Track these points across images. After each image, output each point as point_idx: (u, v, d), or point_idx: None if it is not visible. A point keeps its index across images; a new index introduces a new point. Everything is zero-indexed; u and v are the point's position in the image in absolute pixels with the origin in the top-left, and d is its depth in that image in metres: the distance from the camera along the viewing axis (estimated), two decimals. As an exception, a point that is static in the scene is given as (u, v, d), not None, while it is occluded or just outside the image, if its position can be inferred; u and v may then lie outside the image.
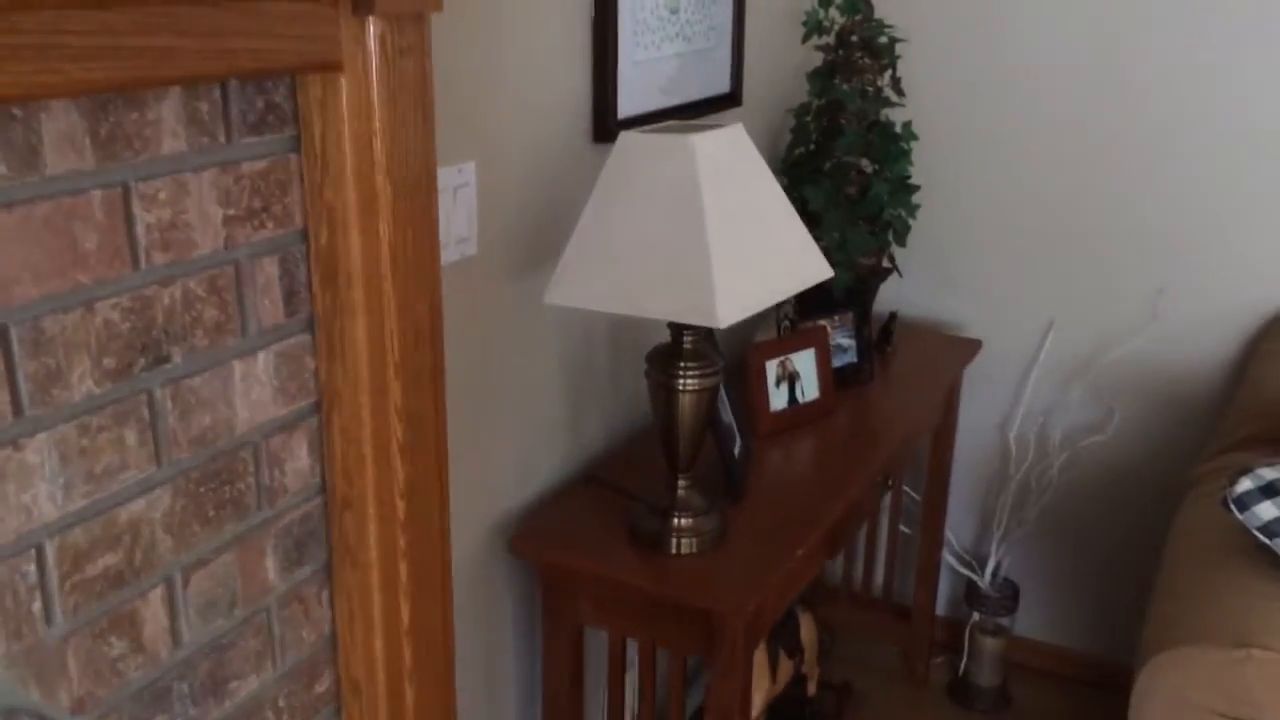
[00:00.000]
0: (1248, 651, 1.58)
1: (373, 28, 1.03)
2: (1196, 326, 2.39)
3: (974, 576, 2.61)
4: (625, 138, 1.46)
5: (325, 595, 1.19)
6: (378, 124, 1.06)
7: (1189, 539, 1.96)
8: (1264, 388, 2.25)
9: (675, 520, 1.59)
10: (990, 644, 2.59)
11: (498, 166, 1.54)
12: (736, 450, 1.79)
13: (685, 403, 1.55)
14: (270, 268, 1.06)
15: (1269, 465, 1.81)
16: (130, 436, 0.95)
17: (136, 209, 0.92)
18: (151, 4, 0.82)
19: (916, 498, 2.64)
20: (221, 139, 0.99)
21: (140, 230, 0.93)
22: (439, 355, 1.18)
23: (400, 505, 1.17)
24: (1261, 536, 1.75)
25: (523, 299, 1.65)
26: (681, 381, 1.54)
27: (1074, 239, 2.45)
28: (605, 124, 1.73)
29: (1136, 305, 2.43)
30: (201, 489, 1.03)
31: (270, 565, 1.12)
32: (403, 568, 1.19)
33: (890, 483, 1.99)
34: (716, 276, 1.37)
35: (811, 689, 2.39)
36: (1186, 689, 1.62)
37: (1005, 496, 2.60)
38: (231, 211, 1.01)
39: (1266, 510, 1.76)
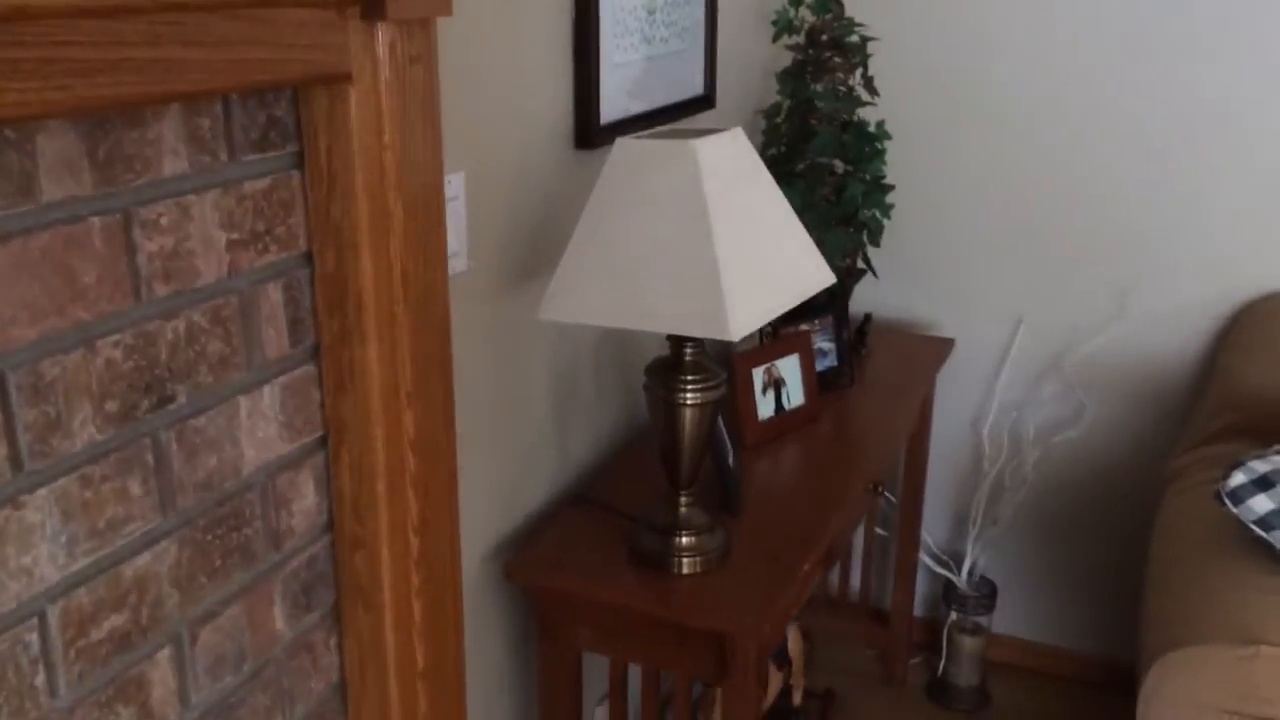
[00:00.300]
0: (1257, 648, 1.57)
1: (383, 35, 0.96)
2: (1164, 320, 2.39)
3: (951, 576, 2.59)
4: (622, 145, 1.40)
5: (333, 641, 1.12)
6: (388, 137, 0.99)
7: (1179, 534, 1.95)
8: (1234, 379, 2.26)
9: (678, 539, 1.54)
10: (969, 643, 2.57)
11: (484, 177, 1.47)
12: (730, 461, 1.74)
13: (687, 417, 1.49)
14: (274, 294, 0.98)
15: (1259, 457, 1.81)
16: (135, 486, 0.87)
17: (138, 237, 0.84)
18: (157, 12, 0.74)
19: (893, 499, 2.62)
20: (223, 157, 0.91)
21: (142, 260, 0.85)
22: (450, 380, 1.11)
23: (414, 541, 1.09)
24: (1258, 530, 1.74)
25: (512, 314, 1.58)
26: (683, 395, 1.48)
27: (1042, 236, 2.44)
28: (588, 130, 1.67)
29: (1105, 300, 2.43)
30: (208, 537, 0.95)
31: (278, 614, 1.04)
32: (417, 607, 1.12)
33: (880, 489, 1.96)
34: (726, 286, 1.31)
35: (797, 699, 2.35)
36: (1196, 689, 1.61)
37: (980, 494, 2.58)
38: (235, 235, 0.93)
39: (1261, 503, 1.76)
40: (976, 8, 2.36)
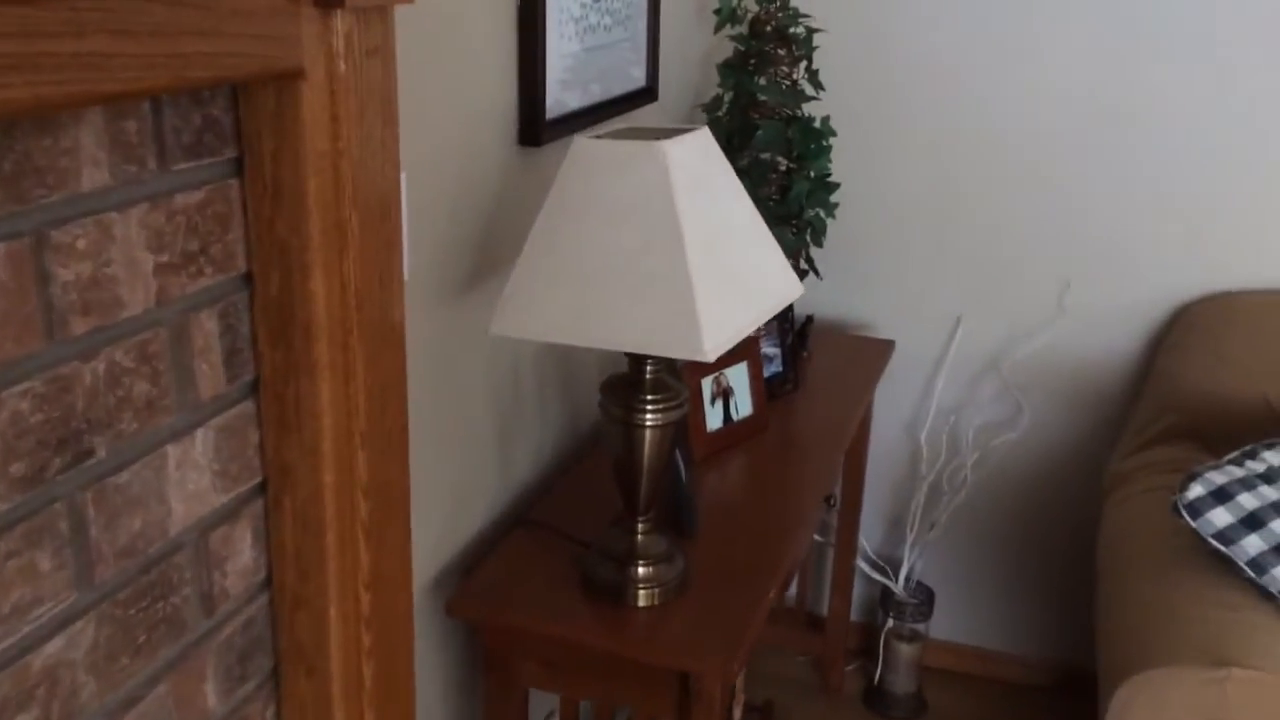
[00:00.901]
0: (1228, 671, 1.53)
1: (340, 25, 0.83)
2: (1103, 321, 2.36)
3: (887, 582, 2.54)
4: (581, 145, 1.28)
5: (271, 712, 0.98)
6: (344, 141, 0.85)
7: (1129, 546, 1.91)
8: (1172, 381, 2.24)
9: (635, 569, 1.43)
10: (906, 650, 2.52)
11: (423, 177, 1.34)
12: (684, 479, 1.64)
13: (647, 439, 1.38)
14: (209, 324, 0.84)
15: (1215, 468, 1.77)
16: (45, 560, 0.73)
17: (50, 263, 0.70)
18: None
19: (831, 504, 2.55)
20: (152, 165, 0.77)
21: (55, 291, 0.70)
22: (405, 416, 0.99)
23: (365, 598, 0.97)
24: (1218, 544, 1.71)
25: (451, 324, 1.45)
26: (643, 416, 1.37)
27: (981, 234, 2.39)
28: (534, 126, 1.54)
29: (1044, 300, 2.39)
30: (131, 611, 0.81)
31: (210, 689, 0.90)
32: (367, 670, 0.99)
33: (832, 501, 1.88)
34: (700, 301, 1.21)
35: (738, 715, 2.26)
36: (1165, 712, 1.56)
37: (917, 498, 2.53)
38: (164, 258, 0.79)
39: (1220, 516, 1.72)
40: (915, 3, 2.29)
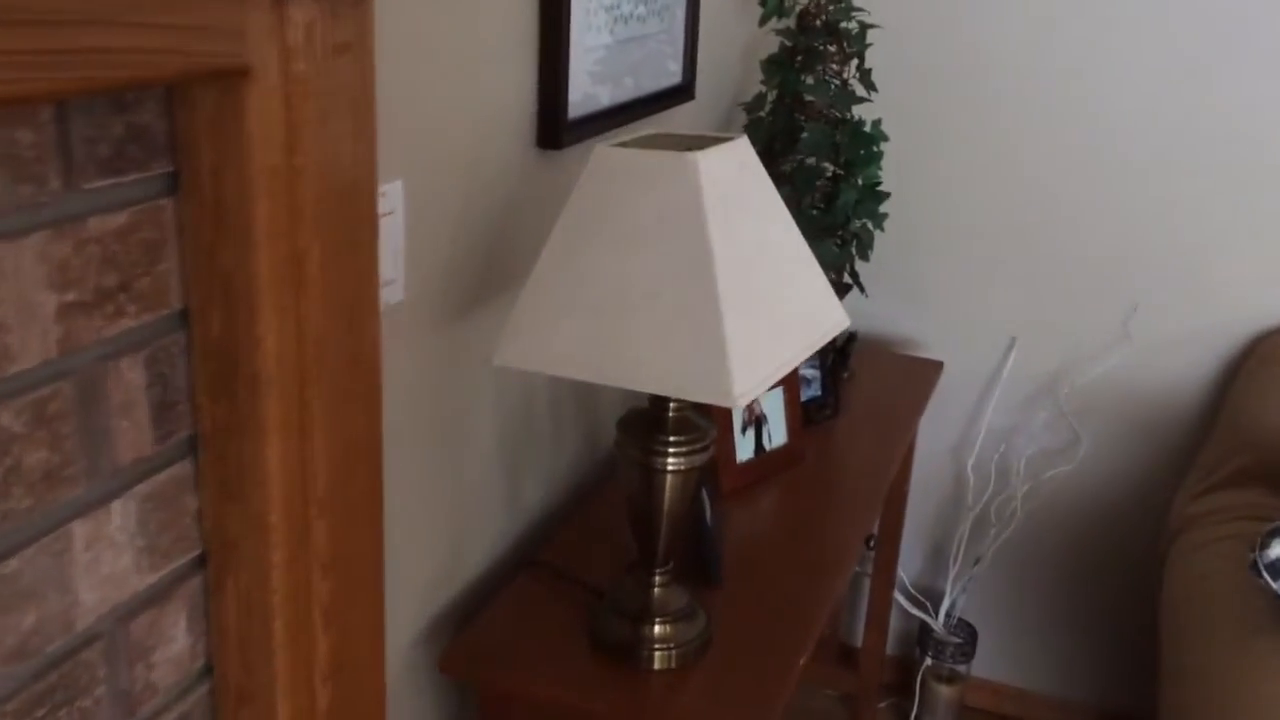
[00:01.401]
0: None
1: (296, 14, 0.68)
2: (1171, 347, 2.18)
3: (927, 618, 2.37)
4: (602, 154, 1.13)
5: (214, 817, 0.84)
6: (303, 155, 0.70)
7: (1200, 604, 1.74)
8: (1248, 416, 2.06)
9: (651, 628, 1.28)
10: (944, 691, 2.36)
11: (427, 185, 1.19)
12: (708, 519, 1.49)
13: (668, 484, 1.23)
14: (132, 374, 0.70)
15: (1298, 524, 1.60)
16: (-96, 672, 0.58)
17: (-93, 311, 0.55)
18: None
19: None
20: (55, 184, 0.62)
21: (-85, 344, 0.56)
22: (379, 474, 0.84)
23: (323, 692, 0.82)
24: (1303, 612, 1.53)
25: (456, 347, 1.30)
26: (664, 460, 1.22)
27: (1042, 249, 2.21)
28: (554, 127, 1.39)
29: (1107, 323, 2.21)
30: (27, 721, 0.66)
31: (136, 797, 0.76)
32: (327, 772, 0.84)
33: (872, 543, 1.72)
34: (731, 338, 1.05)
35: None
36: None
37: (962, 530, 2.36)
38: (71, 296, 0.64)
39: (1305, 580, 1.55)
40: (983, 3, 2.11)
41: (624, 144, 1.15)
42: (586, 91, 1.48)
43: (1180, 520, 2.00)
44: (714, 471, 1.64)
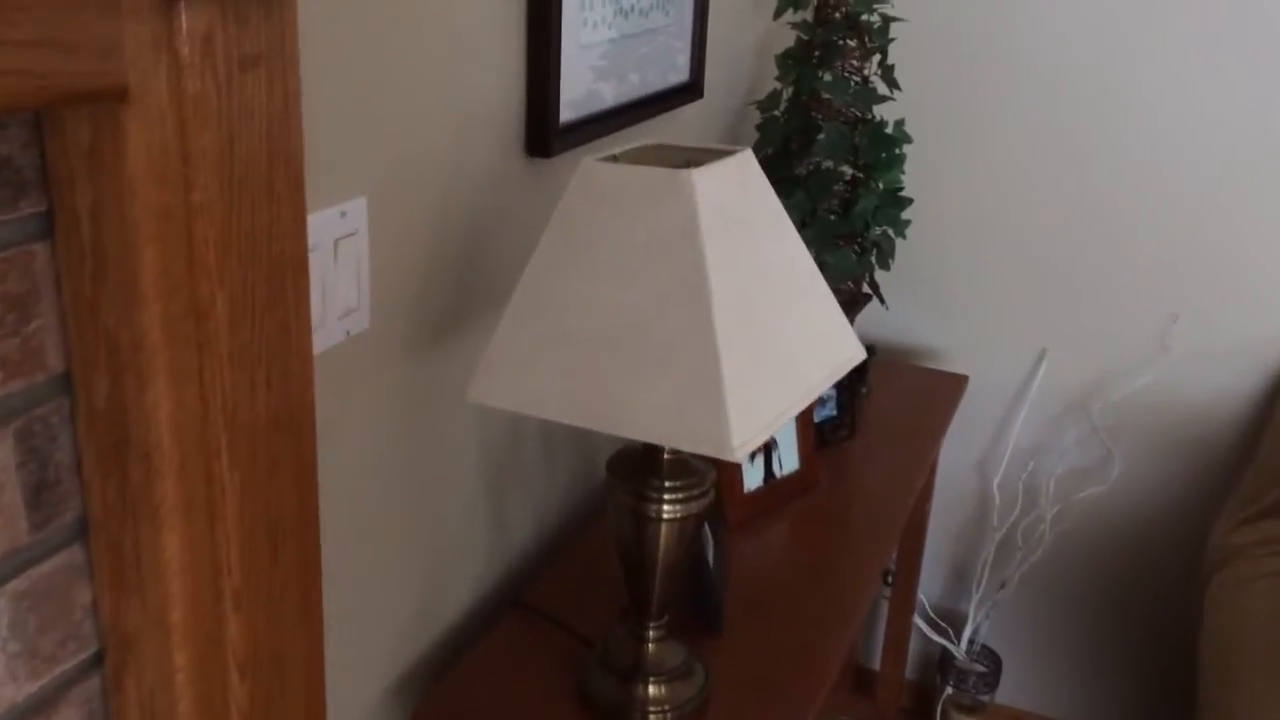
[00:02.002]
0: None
1: (188, 22, 0.56)
2: (1213, 361, 2.04)
3: (948, 645, 2.25)
4: (588, 169, 1.01)
5: None
6: (202, 191, 0.59)
7: (1245, 645, 1.61)
8: (1294, 438, 1.92)
9: (644, 688, 1.16)
10: (966, 722, 2.24)
11: (397, 202, 1.07)
12: (711, 559, 1.37)
13: (663, 534, 1.11)
14: (1, 450, 0.59)
15: (1357, 566, 1.47)
16: None
17: None
18: None
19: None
20: (-121, 235, 0.51)
21: None
22: (313, 558, 0.72)
23: (248, 803, 0.71)
24: (1361, 664, 1.40)
25: (433, 378, 1.19)
26: (657, 507, 1.10)
27: (1074, 257, 2.08)
28: (544, 132, 1.27)
29: (1144, 335, 2.07)
30: None
31: None
32: None
33: (890, 578, 1.60)
34: (729, 382, 0.93)
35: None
36: None
37: (986, 552, 2.24)
38: (-91, 367, 0.53)
39: (1364, 629, 1.42)
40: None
41: (614, 157, 1.03)
42: (584, 92, 1.36)
43: (1221, 551, 1.87)
44: (718, 504, 1.52)
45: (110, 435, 0.61)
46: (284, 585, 0.70)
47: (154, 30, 0.55)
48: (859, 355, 1.11)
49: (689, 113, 1.70)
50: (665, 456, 1.10)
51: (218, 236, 0.60)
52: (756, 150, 1.84)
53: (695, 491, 1.11)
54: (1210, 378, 2.05)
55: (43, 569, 0.62)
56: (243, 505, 0.66)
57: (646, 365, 0.95)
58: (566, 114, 1.32)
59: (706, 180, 0.97)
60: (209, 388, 0.62)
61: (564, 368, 0.99)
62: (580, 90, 1.34)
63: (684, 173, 0.96)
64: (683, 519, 1.11)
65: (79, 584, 0.65)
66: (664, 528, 1.11)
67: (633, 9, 1.45)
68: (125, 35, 0.53)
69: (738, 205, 1.01)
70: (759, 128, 1.83)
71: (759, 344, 0.97)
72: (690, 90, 1.66)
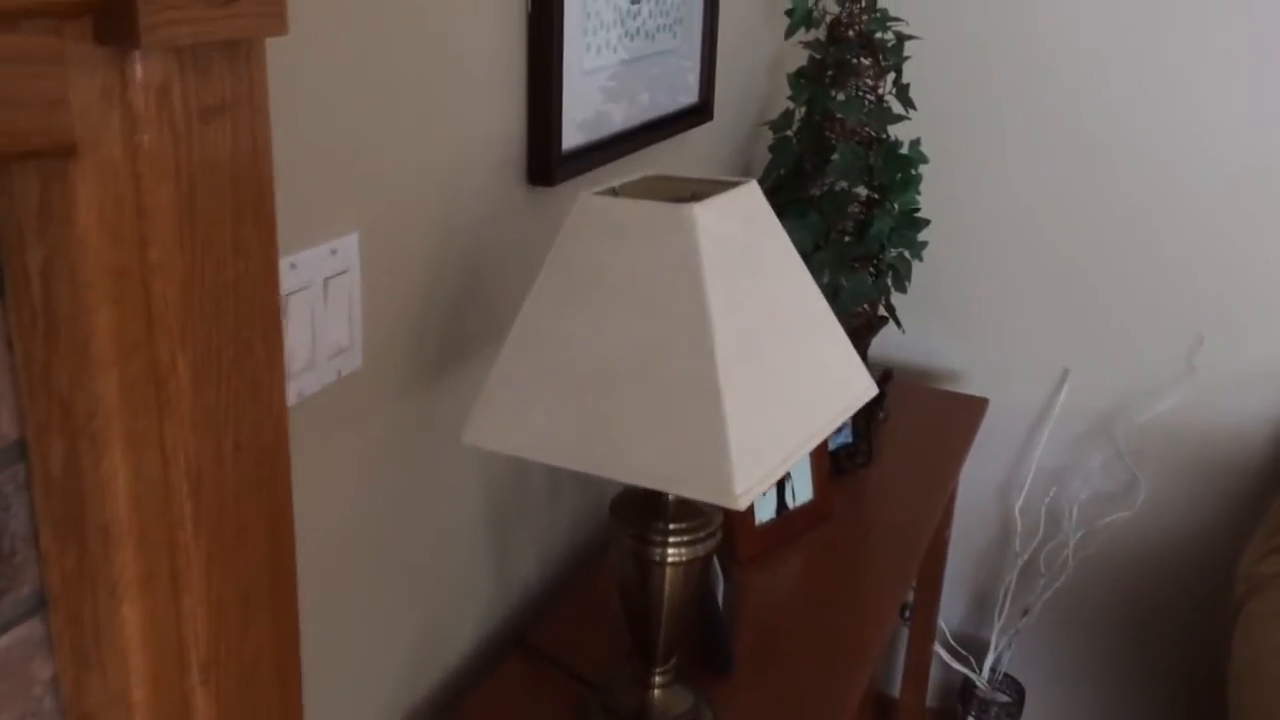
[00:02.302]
0: None
1: (142, 73, 0.53)
2: (1240, 383, 1.99)
3: (970, 673, 2.20)
4: (586, 204, 0.97)
5: None
6: (159, 249, 0.56)
7: (1275, 684, 1.56)
8: (1325, 462, 1.87)
9: (649, 735, 1.13)
10: (988, 753, 2.19)
11: (392, 235, 1.04)
12: (720, 597, 1.33)
13: (668, 578, 1.08)
14: (-52, 524, 0.55)
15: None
16: None
17: None
18: None
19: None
20: None
21: None
22: (290, 625, 0.69)
23: None
24: (1398, 706, 1.35)
25: (431, 415, 1.15)
26: (661, 550, 1.06)
27: (1097, 276, 2.03)
28: (545, 160, 1.24)
29: (1170, 356, 2.02)
30: None
31: None
32: None
33: (908, 613, 1.56)
34: (733, 424, 0.89)
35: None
36: None
37: (1008, 579, 2.19)
38: None
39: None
40: (1033, 11, 1.93)
41: (613, 190, 1.00)
42: (590, 117, 1.32)
43: (1250, 580, 1.81)
44: (729, 537, 1.48)
45: (66, 505, 0.58)
46: (256, 654, 0.67)
47: (105, 82, 0.52)
48: (870, 391, 1.07)
49: (699, 135, 1.67)
50: (670, 498, 1.06)
51: (178, 295, 0.57)
52: (769, 172, 1.80)
53: (701, 534, 1.07)
54: (1237, 400, 1.99)
55: (0, 643, 0.59)
56: (209, 575, 0.62)
57: (646, 408, 0.92)
58: (571, 140, 1.28)
59: (709, 215, 0.93)
60: (171, 453, 0.59)
61: (561, 410, 0.95)
62: (585, 116, 1.31)
63: (685, 207, 0.92)
64: (688, 562, 1.07)
65: (38, 658, 0.61)
66: (668, 571, 1.07)
67: (639, 31, 1.42)
68: (72, 89, 0.50)
69: (742, 240, 0.97)
70: (771, 149, 1.79)
71: (764, 385, 0.94)
72: (700, 112, 1.63)
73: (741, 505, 0.88)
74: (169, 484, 0.59)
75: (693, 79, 1.61)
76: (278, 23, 0.58)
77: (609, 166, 1.38)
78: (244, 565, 0.65)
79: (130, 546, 0.58)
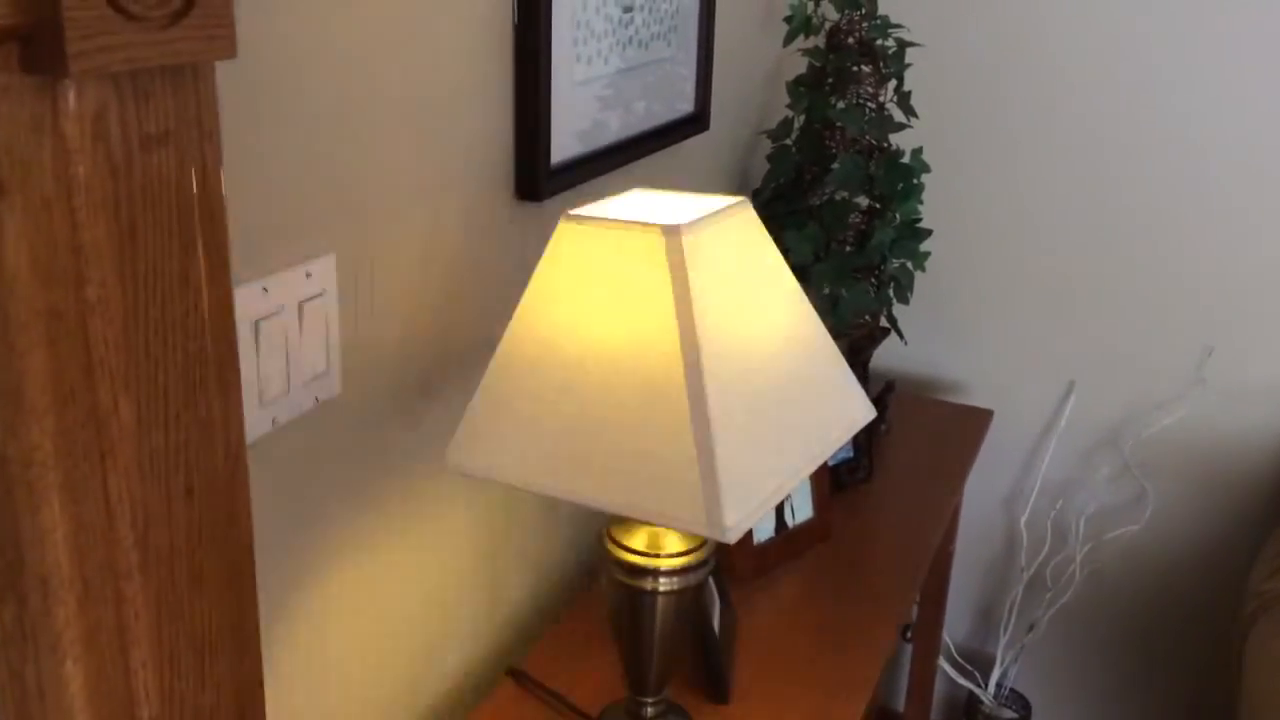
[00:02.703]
0: None
1: (75, 101, 0.50)
2: (1250, 394, 1.95)
3: (975, 688, 2.16)
4: (567, 227, 0.94)
5: None
6: (98, 288, 0.52)
7: (1289, 704, 1.52)
8: (1338, 475, 1.83)
9: (641, 769, 1.09)
10: (995, 770, 2.15)
11: (372, 254, 1.01)
12: (717, 621, 1.30)
13: (660, 608, 1.04)
14: (-125, 581, 0.52)
15: None
16: None
17: None
18: None
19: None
20: None
21: None
22: (249, 672, 0.66)
23: None
24: None
25: (417, 440, 1.12)
26: (654, 579, 1.03)
27: (1103, 285, 1.99)
28: (533, 175, 1.20)
29: (1177, 366, 1.98)
30: None
31: None
32: None
33: (909, 634, 1.52)
34: (722, 453, 0.86)
35: None
36: None
37: (1014, 593, 2.15)
38: None
39: None
40: (1037, 16, 1.89)
41: (597, 214, 0.97)
42: (581, 130, 1.29)
43: (1259, 597, 1.77)
44: (726, 558, 1.45)
45: (4, 558, 0.55)
46: (215, 705, 0.63)
47: (34, 112, 0.48)
48: (868, 415, 1.04)
49: (695, 145, 1.64)
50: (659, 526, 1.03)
51: (119, 335, 0.54)
52: (767, 181, 1.77)
53: (695, 561, 1.03)
54: (1247, 412, 1.95)
55: (-68, 706, 0.56)
56: (160, 627, 0.59)
57: (633, 439, 0.88)
58: (562, 153, 1.25)
59: (697, 237, 0.90)
60: (115, 502, 0.55)
61: (546, 438, 0.92)
62: (576, 128, 1.28)
63: (671, 229, 0.88)
64: (680, 591, 1.04)
65: (-22, 717, 0.58)
66: (660, 601, 1.04)
67: (631, 41, 1.38)
68: (-2, 118, 0.47)
69: (732, 262, 0.93)
70: (770, 158, 1.76)
71: (756, 412, 0.90)
72: (696, 122, 1.59)
73: (732, 539, 0.85)
74: (113, 534, 0.56)
75: (689, 88, 1.57)
76: (225, 45, 0.55)
77: (602, 179, 1.34)
78: (200, 613, 0.62)
79: (72, 601, 0.55)
